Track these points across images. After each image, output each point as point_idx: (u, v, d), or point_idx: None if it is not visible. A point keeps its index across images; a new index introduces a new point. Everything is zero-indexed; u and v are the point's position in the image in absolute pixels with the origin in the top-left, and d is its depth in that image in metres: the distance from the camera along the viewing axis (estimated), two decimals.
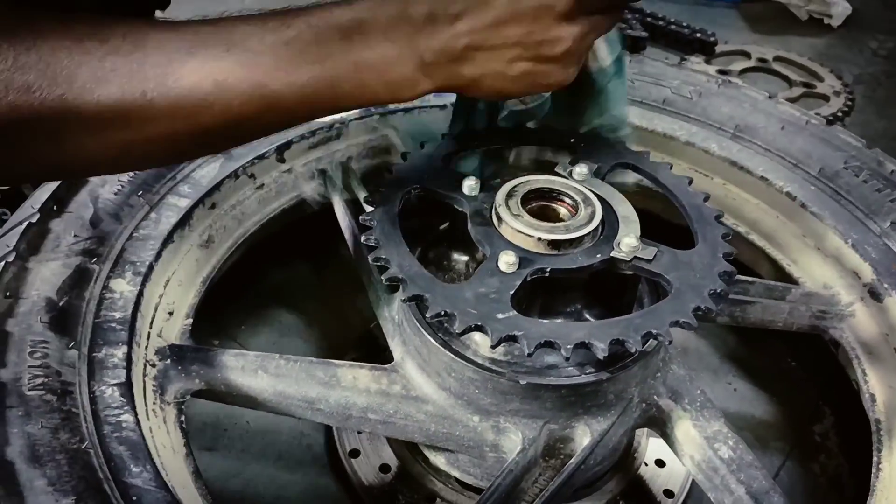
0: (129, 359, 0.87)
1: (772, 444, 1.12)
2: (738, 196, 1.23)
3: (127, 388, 0.84)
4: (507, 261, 0.82)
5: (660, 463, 1.06)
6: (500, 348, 0.83)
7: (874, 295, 1.05)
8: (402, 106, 1.27)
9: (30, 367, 0.80)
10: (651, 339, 0.79)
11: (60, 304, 0.88)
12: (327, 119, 1.23)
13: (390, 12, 0.72)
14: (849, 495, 1.06)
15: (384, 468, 1.04)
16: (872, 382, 1.01)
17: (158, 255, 0.99)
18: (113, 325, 0.89)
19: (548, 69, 0.78)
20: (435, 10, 0.73)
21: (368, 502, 1.02)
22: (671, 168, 0.99)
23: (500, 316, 0.78)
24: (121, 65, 0.64)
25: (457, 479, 1.01)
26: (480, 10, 0.73)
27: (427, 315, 0.79)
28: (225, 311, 1.25)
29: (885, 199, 1.13)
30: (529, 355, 0.76)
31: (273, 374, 0.93)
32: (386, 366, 0.94)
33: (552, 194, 0.92)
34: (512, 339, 0.77)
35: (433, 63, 0.74)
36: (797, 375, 1.22)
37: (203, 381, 0.92)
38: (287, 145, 1.20)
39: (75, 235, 0.96)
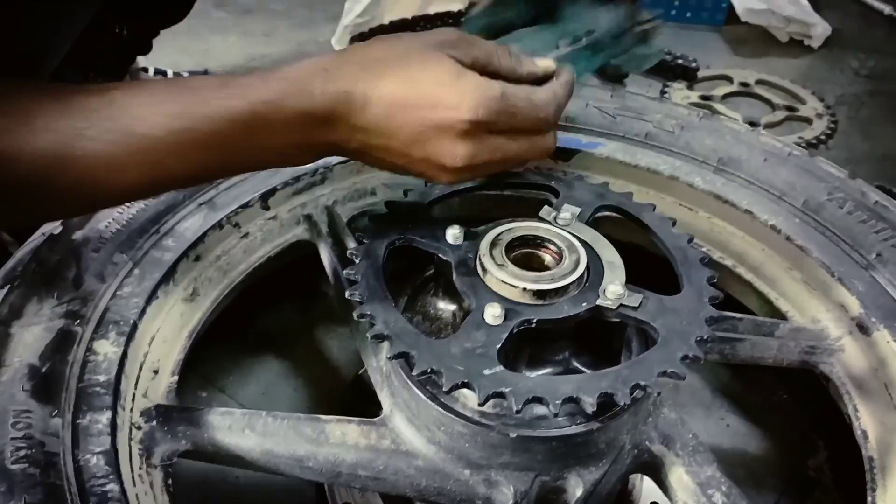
0: (113, 424, 0.86)
1: (766, 481, 1.12)
2: (723, 229, 1.23)
3: (112, 455, 0.82)
4: (492, 313, 0.82)
5: None
6: (489, 402, 0.83)
7: (862, 329, 1.05)
8: None
9: (12, 438, 0.79)
10: (639, 391, 0.78)
11: (43, 370, 0.87)
12: (311, 165, 1.23)
13: (293, 105, 0.76)
14: None
15: None
16: (864, 418, 1.00)
17: (142, 313, 0.98)
18: (97, 388, 0.88)
19: (440, 173, 0.84)
20: (336, 111, 0.77)
21: None
22: (654, 209, 0.99)
23: (486, 372, 0.78)
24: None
25: None
26: (380, 129, 0.79)
27: (414, 373, 0.79)
28: (211, 361, 1.24)
29: (869, 230, 1.13)
30: (517, 412, 0.76)
31: (260, 433, 0.92)
32: (374, 419, 0.93)
33: (536, 241, 0.92)
34: (500, 395, 0.77)
35: (328, 152, 0.84)
36: (790, 409, 1.21)
37: (190, 442, 0.91)
38: (271, 192, 1.20)
39: (58, 297, 0.95)
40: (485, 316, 0.82)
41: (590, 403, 0.76)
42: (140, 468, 0.87)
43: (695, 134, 1.31)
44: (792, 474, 1.13)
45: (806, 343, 1.08)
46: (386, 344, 0.81)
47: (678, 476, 0.91)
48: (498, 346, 0.80)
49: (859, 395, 1.03)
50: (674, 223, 0.97)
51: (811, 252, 1.13)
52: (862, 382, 1.03)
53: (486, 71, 0.82)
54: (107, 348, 0.93)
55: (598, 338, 0.90)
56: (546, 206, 0.97)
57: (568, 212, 0.95)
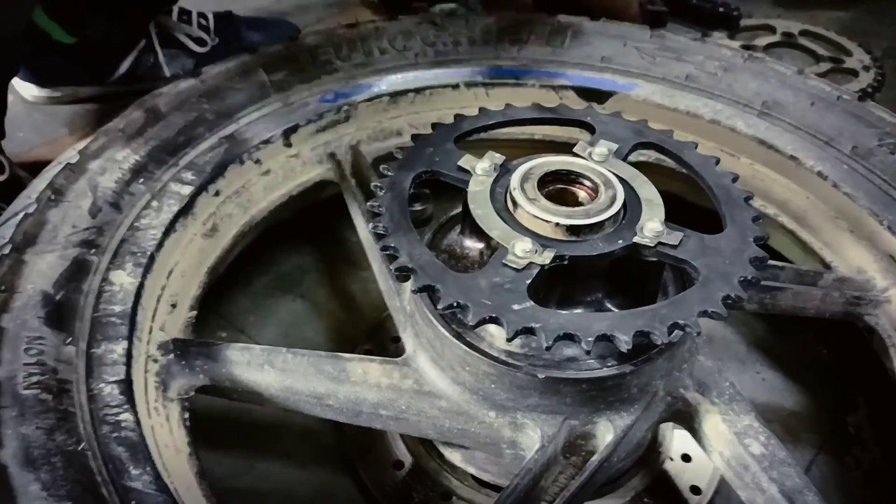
0: (129, 354, 0.83)
1: (803, 437, 1.07)
2: (766, 176, 1.17)
3: (127, 385, 0.80)
4: (523, 248, 0.77)
5: (686, 458, 1.01)
6: (517, 341, 0.79)
7: None
8: None
9: (25, 364, 0.77)
10: (678, 331, 0.74)
11: (57, 298, 0.84)
12: (335, 104, 1.19)
13: None
14: (885, 490, 1.01)
15: (397, 465, 1.00)
16: None
17: (160, 245, 0.96)
18: (112, 319, 0.86)
19: None
20: None
21: (382, 501, 0.98)
22: (696, 147, 0.94)
23: (515, 307, 0.74)
24: None
25: (473, 476, 0.97)
26: None
27: (439, 306, 0.75)
28: (232, 302, 1.21)
29: None
30: (548, 348, 0.72)
31: (280, 369, 0.89)
32: (397, 359, 0.90)
33: (570, 177, 0.87)
34: (529, 331, 0.73)
35: None
36: (829, 364, 1.16)
37: (207, 377, 0.89)
38: (294, 129, 1.16)
39: (73, 226, 0.92)
40: (515, 250, 0.77)
41: (624, 342, 0.72)
42: (156, 401, 0.85)
43: (738, 76, 1.24)
44: (831, 430, 1.08)
45: (851, 294, 1.03)
46: (410, 277, 0.78)
47: (714, 425, 0.87)
48: (528, 281, 0.76)
49: None
50: (717, 161, 0.92)
51: (859, 199, 1.07)
52: None
53: None
54: (123, 279, 0.90)
55: (633, 278, 0.85)
56: (581, 142, 0.92)
57: (604, 147, 0.90)
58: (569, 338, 0.72)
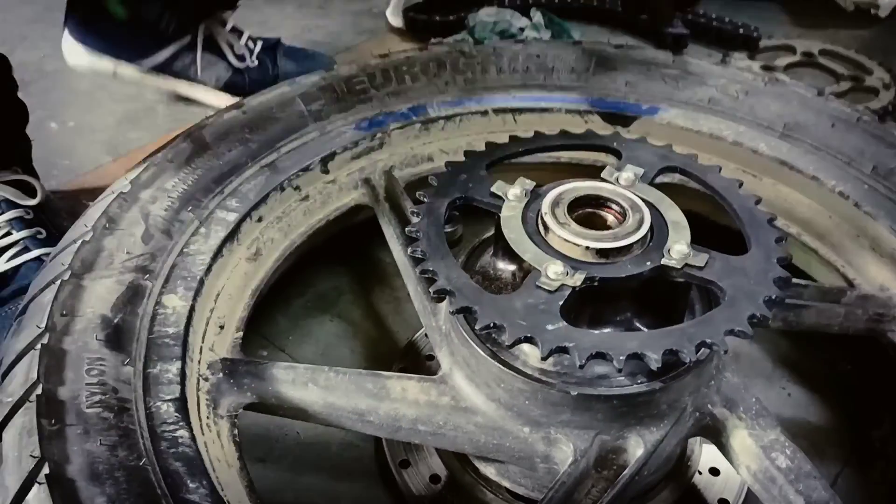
0: (182, 374, 0.88)
1: (828, 452, 1.09)
2: (788, 196, 1.21)
3: (181, 403, 0.85)
4: (555, 271, 0.81)
5: (714, 471, 1.04)
6: (550, 359, 0.83)
7: None
8: None
9: (87, 384, 0.82)
10: (705, 349, 0.78)
11: (115, 321, 0.89)
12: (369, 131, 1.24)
13: None
14: None
15: (434, 478, 1.03)
16: None
17: (209, 270, 1.01)
18: (167, 340, 0.91)
19: None
20: None
21: None
22: (720, 171, 0.98)
23: (549, 327, 0.78)
24: None
25: (507, 490, 1.00)
26: None
27: (476, 327, 0.79)
28: (272, 322, 1.26)
29: None
30: (581, 367, 0.76)
31: (323, 387, 0.93)
32: (434, 377, 0.94)
33: (599, 201, 0.91)
34: (563, 350, 0.76)
35: None
36: (854, 380, 1.18)
37: (255, 395, 0.93)
38: (331, 156, 1.21)
39: (128, 252, 0.98)
40: (548, 273, 0.82)
41: (654, 360, 0.75)
42: (207, 418, 0.89)
43: (759, 99, 1.28)
44: (855, 445, 1.10)
45: (874, 311, 1.05)
46: (447, 299, 0.82)
47: (741, 439, 0.90)
48: (560, 302, 0.80)
49: None
50: (740, 185, 0.95)
51: (880, 218, 1.10)
52: None
53: None
54: (175, 302, 0.95)
55: (661, 299, 0.89)
56: (608, 167, 0.96)
57: (631, 172, 0.94)
58: (601, 356, 0.76)
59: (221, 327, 1.00)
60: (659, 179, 0.97)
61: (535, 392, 0.86)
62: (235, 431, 0.91)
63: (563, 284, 0.81)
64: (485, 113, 1.31)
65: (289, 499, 1.03)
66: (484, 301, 0.80)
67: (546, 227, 0.86)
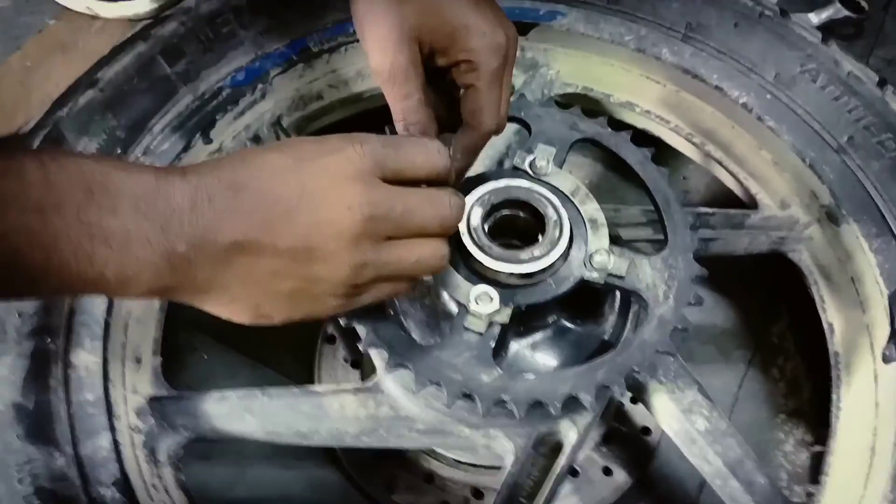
0: (115, 444, 0.86)
1: (734, 355, 1.19)
2: (692, 104, 1.18)
3: (124, 483, 0.84)
4: (482, 310, 0.80)
5: (634, 400, 1.12)
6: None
7: (832, 218, 1.06)
8: None
9: (24, 497, 0.79)
10: (634, 374, 0.81)
11: (31, 407, 0.84)
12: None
13: (148, 180, 0.60)
14: (806, 397, 1.15)
15: (380, 455, 1.08)
16: (831, 311, 1.05)
17: (110, 306, 0.94)
18: (89, 409, 0.87)
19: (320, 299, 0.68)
20: (213, 195, 0.62)
21: (368, 488, 1.07)
22: (630, 137, 0.95)
23: (485, 379, 0.79)
24: None
25: (453, 458, 1.07)
26: (265, 210, 0.63)
27: (414, 389, 0.79)
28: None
29: (842, 108, 1.10)
30: (520, 419, 0.78)
31: (259, 415, 0.93)
32: (369, 385, 0.95)
33: (516, 203, 0.87)
34: (501, 403, 0.78)
35: (184, 257, 0.61)
36: (754, 275, 1.25)
37: (191, 433, 0.93)
38: (211, 124, 1.09)
39: (19, 314, 0.90)
40: (475, 310, 0.80)
41: (589, 401, 0.78)
42: (152, 475, 0.89)
43: None
44: (757, 344, 1.20)
45: (776, 234, 1.10)
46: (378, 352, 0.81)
47: (662, 402, 0.96)
48: (492, 344, 0.80)
49: (826, 286, 1.07)
50: (652, 156, 0.93)
51: (782, 133, 1.11)
52: (829, 273, 1.07)
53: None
54: (85, 358, 0.90)
55: (587, 298, 0.90)
56: (519, 152, 0.91)
57: (544, 159, 0.90)
58: (538, 405, 0.78)
59: (138, 360, 0.96)
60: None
61: (471, 405, 0.88)
62: (182, 476, 0.92)
63: (492, 322, 0.81)
64: None
65: (241, 493, 1.07)
66: (415, 356, 0.79)
67: (468, 252, 0.83)
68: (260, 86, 1.13)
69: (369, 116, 1.19)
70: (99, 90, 1.06)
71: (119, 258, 0.59)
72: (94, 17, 1.54)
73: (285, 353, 1.17)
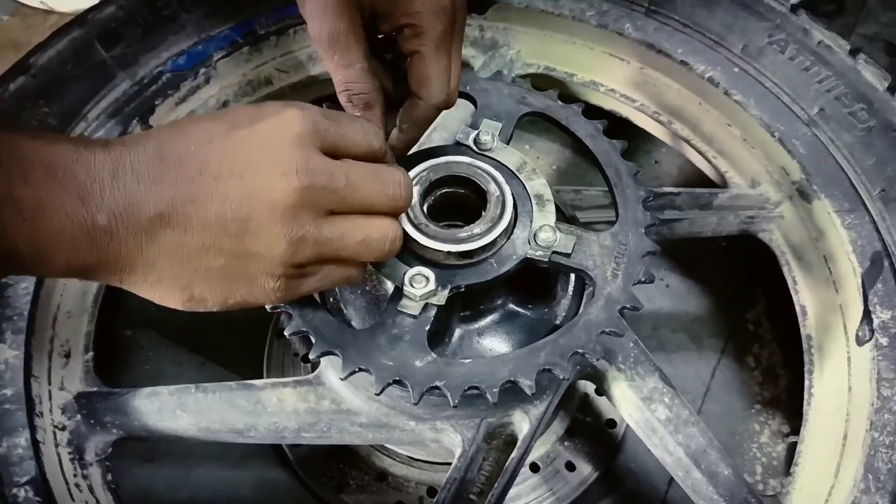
0: (34, 443, 0.81)
1: (706, 342, 1.13)
2: (658, 81, 1.13)
3: (41, 481, 0.79)
4: (417, 292, 0.75)
5: (599, 392, 1.07)
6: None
7: (803, 195, 1.01)
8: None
9: None
10: (577, 357, 0.75)
11: None
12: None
13: (66, 150, 0.56)
14: (783, 385, 1.09)
15: (331, 453, 1.03)
16: (803, 293, 1.00)
17: (35, 297, 0.89)
18: (6, 406, 0.82)
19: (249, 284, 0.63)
20: (137, 164, 0.57)
21: (317, 488, 1.02)
22: (581, 111, 0.89)
23: (418, 364, 0.73)
24: None
25: (407, 455, 1.01)
26: (192, 178, 0.58)
27: (342, 376, 0.73)
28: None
29: (812, 79, 1.04)
30: (455, 406, 0.73)
31: (193, 412, 0.88)
32: (310, 377, 0.90)
33: (457, 180, 0.82)
34: (435, 389, 0.73)
35: (105, 230, 0.57)
36: (728, 259, 1.19)
37: (121, 430, 0.88)
38: (150, 110, 1.05)
39: None
40: (410, 293, 0.75)
41: (528, 386, 0.73)
42: (75, 475, 0.84)
43: None
44: (731, 331, 1.14)
45: (745, 213, 1.04)
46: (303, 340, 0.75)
47: (622, 391, 0.91)
48: (427, 328, 0.74)
49: (799, 266, 1.01)
50: (604, 129, 0.88)
51: (750, 108, 1.05)
52: (801, 253, 1.01)
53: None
54: (6, 354, 0.85)
55: (533, 278, 0.85)
56: (463, 127, 0.86)
57: (488, 134, 0.85)
58: (475, 390, 0.73)
59: (67, 356, 0.91)
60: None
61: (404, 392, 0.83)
62: (109, 477, 0.86)
63: (427, 304, 0.75)
64: None
65: (186, 496, 1.02)
66: (346, 340, 0.74)
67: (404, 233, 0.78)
68: (203, 70, 1.08)
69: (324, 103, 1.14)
70: (31, 76, 1.01)
71: (31, 228, 0.55)
72: (49, 12, 1.50)
73: (236, 351, 1.12)
